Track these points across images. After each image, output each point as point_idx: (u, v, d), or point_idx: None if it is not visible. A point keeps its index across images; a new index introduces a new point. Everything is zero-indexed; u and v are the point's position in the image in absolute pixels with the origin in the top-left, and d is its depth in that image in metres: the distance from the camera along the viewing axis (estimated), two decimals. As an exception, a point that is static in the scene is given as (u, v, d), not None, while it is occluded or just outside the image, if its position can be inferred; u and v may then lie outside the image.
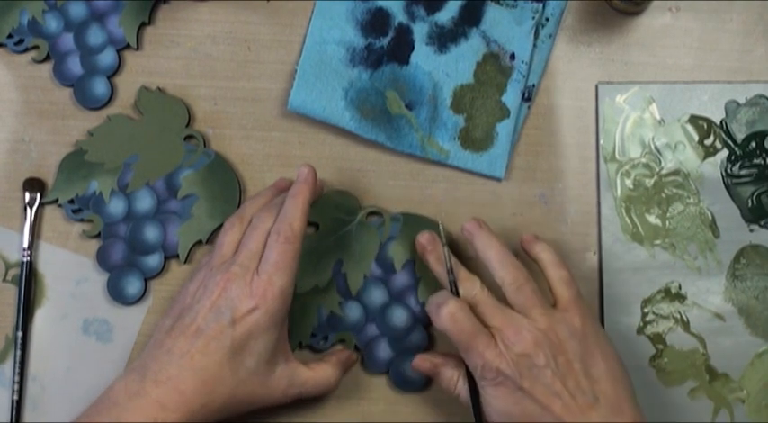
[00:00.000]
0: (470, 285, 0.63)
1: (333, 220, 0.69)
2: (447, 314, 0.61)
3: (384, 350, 0.68)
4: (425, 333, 0.68)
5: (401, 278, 0.69)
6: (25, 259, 0.70)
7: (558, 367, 0.59)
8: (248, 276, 0.61)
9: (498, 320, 0.61)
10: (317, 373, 0.65)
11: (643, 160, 0.70)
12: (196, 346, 0.60)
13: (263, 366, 0.61)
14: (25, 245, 0.70)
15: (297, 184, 0.65)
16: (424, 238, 0.66)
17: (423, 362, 0.65)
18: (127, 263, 0.70)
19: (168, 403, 0.58)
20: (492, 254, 0.63)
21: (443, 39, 0.70)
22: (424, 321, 0.69)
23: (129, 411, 0.58)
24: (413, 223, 0.69)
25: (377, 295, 0.69)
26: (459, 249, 0.69)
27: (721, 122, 0.70)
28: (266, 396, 0.62)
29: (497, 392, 0.60)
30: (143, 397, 0.58)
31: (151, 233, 0.70)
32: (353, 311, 0.69)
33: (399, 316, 0.68)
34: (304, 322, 0.68)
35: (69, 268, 0.70)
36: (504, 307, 0.62)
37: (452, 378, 0.64)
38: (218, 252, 0.64)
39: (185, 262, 0.70)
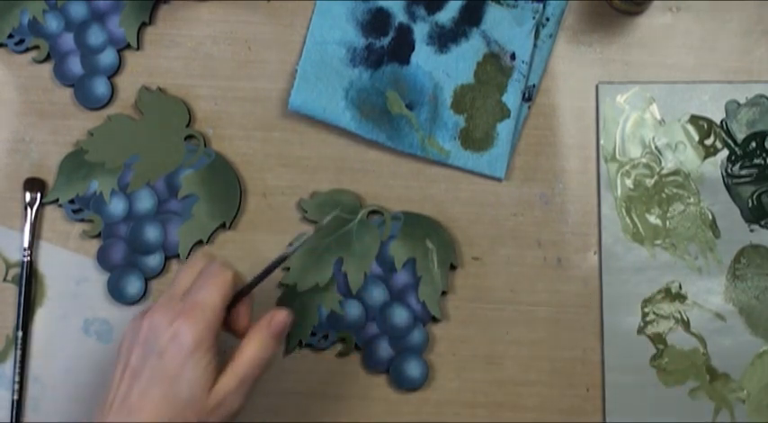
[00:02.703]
0: None
1: (333, 219, 0.69)
2: None
3: (384, 349, 0.68)
4: (425, 332, 0.68)
5: (401, 277, 0.69)
6: (26, 259, 0.70)
7: None
8: (171, 303, 0.57)
9: None
10: (241, 363, 0.57)
11: (643, 160, 0.70)
12: (134, 388, 0.56)
13: (198, 394, 0.56)
14: (26, 245, 0.70)
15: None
16: None
17: None
18: (127, 263, 0.70)
19: None
20: None
21: (444, 39, 0.70)
22: (424, 320, 0.69)
23: None
24: (414, 222, 0.69)
25: (377, 294, 0.69)
26: (460, 249, 0.69)
27: (722, 122, 0.70)
28: (220, 416, 0.57)
29: None
30: None
31: (151, 233, 0.70)
32: (354, 310, 0.69)
33: (399, 315, 0.68)
34: (304, 321, 0.68)
35: (70, 268, 0.70)
36: None
37: None
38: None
39: (186, 262, 0.70)
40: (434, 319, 0.69)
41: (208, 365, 0.56)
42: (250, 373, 0.58)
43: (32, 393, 0.69)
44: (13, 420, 0.68)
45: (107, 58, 0.71)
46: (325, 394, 0.69)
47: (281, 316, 0.59)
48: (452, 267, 0.69)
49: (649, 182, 0.69)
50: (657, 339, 0.68)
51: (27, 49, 0.72)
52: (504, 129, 0.70)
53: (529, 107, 0.70)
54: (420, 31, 0.70)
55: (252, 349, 0.58)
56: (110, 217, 0.70)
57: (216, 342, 0.57)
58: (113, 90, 0.72)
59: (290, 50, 0.72)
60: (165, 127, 0.71)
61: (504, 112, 0.70)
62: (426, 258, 0.69)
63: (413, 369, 0.68)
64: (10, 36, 0.72)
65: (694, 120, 0.70)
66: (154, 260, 0.70)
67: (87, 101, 0.71)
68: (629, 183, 0.69)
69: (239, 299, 0.59)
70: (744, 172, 0.69)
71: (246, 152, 0.71)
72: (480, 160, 0.70)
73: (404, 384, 0.68)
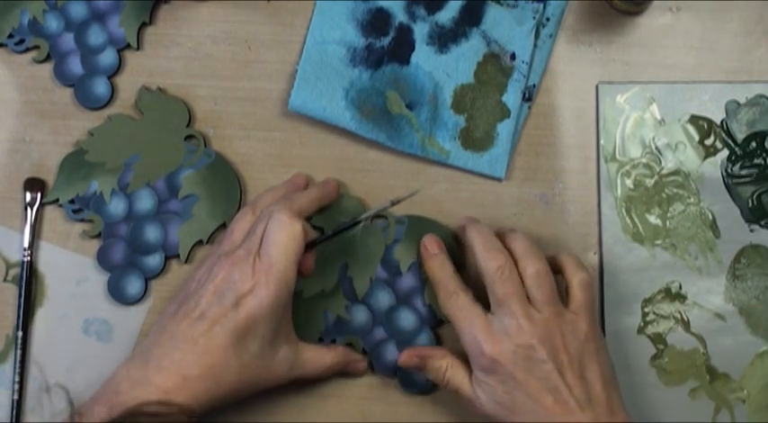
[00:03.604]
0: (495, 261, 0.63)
1: (338, 225, 0.68)
2: (452, 298, 0.63)
3: (392, 353, 0.68)
4: (432, 335, 0.68)
5: (407, 280, 0.69)
6: (26, 259, 0.70)
7: (556, 364, 0.60)
8: (251, 259, 0.61)
9: (511, 307, 0.61)
10: (316, 356, 0.65)
11: (643, 160, 0.70)
12: (199, 329, 0.59)
13: (267, 350, 0.61)
14: (26, 245, 0.70)
15: (312, 185, 0.68)
16: (428, 241, 0.67)
17: (409, 358, 0.65)
18: (127, 263, 0.70)
19: (171, 389, 0.58)
20: (517, 244, 0.64)
21: (444, 39, 0.70)
22: (430, 323, 0.68)
23: (131, 399, 0.58)
24: (418, 226, 0.69)
25: (383, 298, 0.68)
26: (463, 250, 0.69)
27: (722, 122, 0.70)
28: (270, 379, 0.62)
29: (488, 379, 0.61)
30: (145, 385, 0.58)
31: (152, 233, 0.70)
32: (360, 315, 0.68)
33: (406, 318, 0.68)
34: (311, 327, 0.68)
35: (70, 268, 0.70)
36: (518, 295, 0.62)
37: (440, 368, 0.64)
38: (227, 239, 0.65)
39: (186, 262, 0.70)
40: (441, 322, 0.69)
41: (275, 324, 0.61)
42: (304, 370, 0.64)
43: (32, 393, 0.69)
44: (13, 420, 0.68)
45: (107, 58, 0.71)
46: (331, 396, 0.69)
47: (359, 367, 0.68)
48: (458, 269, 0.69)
49: (649, 182, 0.69)
50: (657, 339, 0.68)
51: (27, 49, 0.72)
52: (504, 129, 0.70)
53: (529, 107, 0.70)
54: (420, 31, 0.70)
55: (323, 358, 0.65)
56: (110, 217, 0.70)
57: (289, 301, 0.62)
58: (113, 90, 0.71)
59: (290, 50, 0.72)
60: (165, 127, 0.71)
61: (505, 112, 0.70)
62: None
63: (422, 373, 0.68)
64: (10, 36, 0.72)
65: (694, 120, 0.70)
66: (154, 260, 0.70)
67: (87, 101, 0.71)
68: (629, 183, 0.69)
69: (307, 249, 0.63)
70: (744, 172, 0.69)
71: (246, 152, 0.71)
72: (480, 160, 0.70)
73: (413, 388, 0.68)
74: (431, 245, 0.67)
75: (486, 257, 0.63)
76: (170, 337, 0.60)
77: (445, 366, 0.64)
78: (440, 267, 0.66)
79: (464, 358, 0.63)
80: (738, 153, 0.69)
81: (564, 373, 0.60)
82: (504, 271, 0.62)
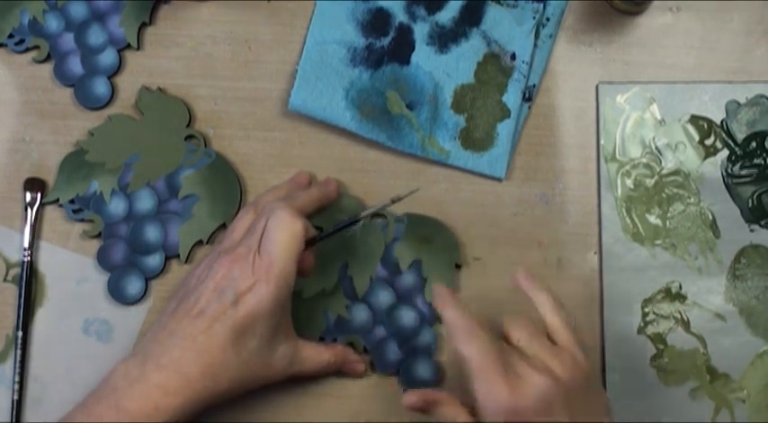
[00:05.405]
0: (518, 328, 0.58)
1: (337, 224, 0.68)
2: (477, 348, 0.55)
3: (393, 351, 0.68)
4: (433, 333, 0.68)
5: (407, 279, 0.69)
6: (26, 259, 0.70)
7: (569, 411, 0.55)
8: (251, 256, 0.61)
9: (523, 361, 0.56)
10: (314, 354, 0.65)
11: (644, 160, 0.70)
12: (199, 327, 0.59)
13: (265, 347, 0.61)
14: (26, 245, 0.70)
15: (313, 185, 0.68)
16: (440, 291, 0.59)
17: (417, 401, 0.58)
18: (127, 263, 0.70)
19: (170, 388, 0.58)
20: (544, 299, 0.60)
21: (444, 39, 0.70)
22: (431, 321, 0.69)
23: (129, 397, 0.58)
24: (417, 224, 0.69)
25: (383, 297, 0.68)
26: (465, 250, 0.69)
27: (722, 122, 0.70)
28: (268, 376, 0.62)
29: None
30: (144, 382, 0.58)
31: (152, 233, 0.70)
32: (361, 314, 0.68)
33: (407, 316, 0.68)
34: (311, 327, 0.68)
35: (70, 268, 0.70)
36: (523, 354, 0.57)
37: (448, 416, 0.58)
38: (228, 236, 0.65)
39: (186, 262, 0.70)
40: (441, 320, 0.68)
41: (275, 321, 0.61)
42: (303, 367, 0.64)
43: (32, 393, 0.69)
44: (13, 420, 0.68)
45: (107, 58, 0.71)
46: (331, 395, 0.69)
47: (358, 368, 0.68)
48: (457, 267, 0.69)
49: (649, 182, 0.69)
50: (657, 339, 0.68)
51: (27, 49, 0.72)
52: (504, 129, 0.70)
53: (529, 107, 0.70)
54: (420, 31, 0.70)
55: (321, 356, 0.65)
56: (110, 217, 0.70)
57: (289, 299, 0.62)
58: (113, 90, 0.71)
59: (290, 50, 0.72)
60: (166, 127, 0.71)
61: (505, 112, 0.70)
62: (431, 259, 0.68)
63: (423, 370, 0.68)
64: (10, 36, 0.72)
65: (694, 120, 0.70)
66: (154, 260, 0.70)
67: (87, 101, 0.71)
68: (629, 183, 0.69)
69: (306, 247, 0.63)
70: (744, 172, 0.69)
71: (246, 152, 0.71)
72: (480, 160, 0.70)
73: (415, 386, 0.68)
74: (445, 294, 0.58)
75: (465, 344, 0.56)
76: (169, 335, 0.60)
77: (453, 416, 0.57)
78: (460, 316, 0.57)
79: (469, 406, 0.57)
80: (738, 153, 0.69)
81: (573, 415, 0.55)
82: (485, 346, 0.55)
